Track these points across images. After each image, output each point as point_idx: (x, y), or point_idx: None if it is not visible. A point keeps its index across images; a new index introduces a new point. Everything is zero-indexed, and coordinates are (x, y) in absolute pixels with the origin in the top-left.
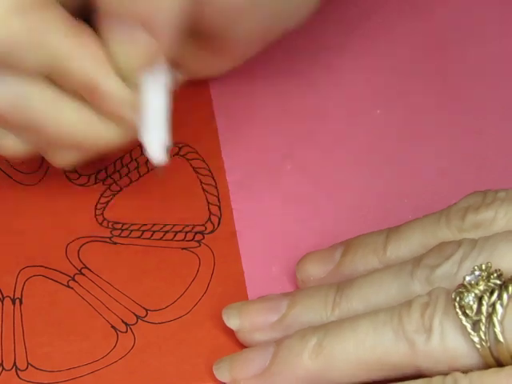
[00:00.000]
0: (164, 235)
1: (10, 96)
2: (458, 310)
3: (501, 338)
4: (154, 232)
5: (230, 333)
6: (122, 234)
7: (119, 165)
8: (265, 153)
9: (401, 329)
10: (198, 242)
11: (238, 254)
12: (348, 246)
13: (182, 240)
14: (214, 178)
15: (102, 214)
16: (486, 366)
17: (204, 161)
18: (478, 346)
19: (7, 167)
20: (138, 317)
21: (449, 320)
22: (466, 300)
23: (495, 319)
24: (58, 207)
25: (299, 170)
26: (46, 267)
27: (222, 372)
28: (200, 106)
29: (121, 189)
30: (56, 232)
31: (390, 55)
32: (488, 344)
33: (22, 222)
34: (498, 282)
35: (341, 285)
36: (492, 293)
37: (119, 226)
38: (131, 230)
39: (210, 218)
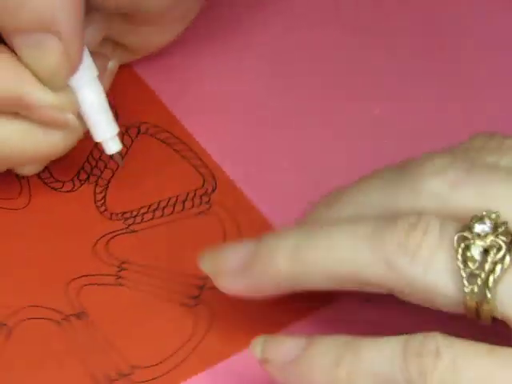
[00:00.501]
0: (174, 208)
1: None
2: (459, 256)
3: (489, 299)
4: (163, 208)
5: None
6: (136, 221)
7: (93, 160)
8: (264, 152)
9: (380, 247)
10: (208, 203)
11: (249, 200)
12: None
13: (192, 207)
14: (184, 143)
15: (106, 209)
16: (463, 312)
17: (167, 131)
18: (468, 298)
19: None
20: (199, 287)
21: (442, 257)
22: (473, 252)
23: (491, 280)
24: (62, 218)
25: (299, 169)
26: (87, 275)
27: (204, 263)
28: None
29: (108, 181)
30: (75, 241)
31: (390, 55)
32: (476, 299)
33: (39, 244)
34: (505, 239)
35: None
36: (498, 250)
37: (128, 215)
38: (142, 214)
39: (204, 179)
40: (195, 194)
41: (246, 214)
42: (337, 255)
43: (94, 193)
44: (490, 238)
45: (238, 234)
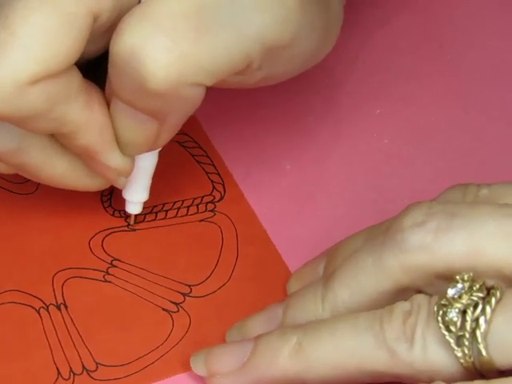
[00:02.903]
0: (178, 212)
1: (10, 144)
2: (440, 324)
3: (484, 354)
4: (166, 211)
5: (274, 286)
6: (137, 220)
7: None
8: (264, 153)
9: (381, 335)
10: (212, 211)
11: (254, 214)
12: (330, 257)
13: (196, 213)
14: (202, 148)
15: (111, 205)
16: (469, 377)
17: (187, 134)
18: (462, 361)
19: (1, 181)
20: (183, 294)
21: (431, 332)
22: (450, 316)
23: (479, 335)
24: (65, 209)
25: (298, 170)
26: (77, 268)
27: (197, 364)
28: None
29: None
30: (73, 232)
31: (390, 55)
32: (472, 359)
33: (37, 231)
34: (481, 294)
35: (324, 279)
36: (476, 307)
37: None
38: (145, 214)
39: (214, 187)
40: (201, 201)
41: (247, 227)
42: (342, 349)
43: None
44: (465, 297)
45: (235, 247)
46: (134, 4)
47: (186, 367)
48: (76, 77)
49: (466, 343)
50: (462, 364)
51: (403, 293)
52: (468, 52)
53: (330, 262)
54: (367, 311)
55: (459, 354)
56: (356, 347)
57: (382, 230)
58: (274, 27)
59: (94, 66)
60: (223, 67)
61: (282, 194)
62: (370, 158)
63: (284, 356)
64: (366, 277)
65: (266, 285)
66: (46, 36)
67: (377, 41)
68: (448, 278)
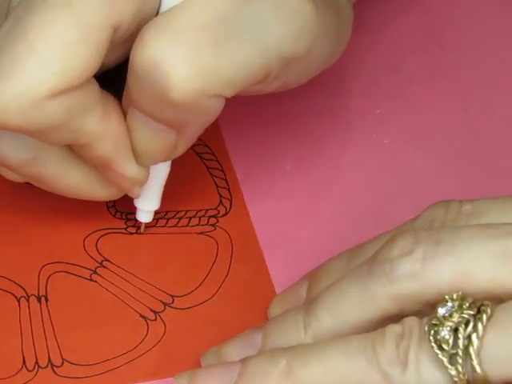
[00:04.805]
0: (178, 222)
1: (26, 156)
2: (433, 343)
3: (478, 370)
4: (168, 219)
5: (258, 311)
6: (137, 224)
7: None
8: (264, 153)
9: (374, 358)
10: (213, 225)
11: (254, 234)
12: (312, 280)
13: (197, 225)
14: (218, 162)
15: (114, 206)
16: None
17: (207, 145)
18: (456, 379)
19: None
20: (165, 304)
21: (424, 353)
22: (442, 334)
23: (472, 351)
24: (69, 204)
25: (298, 170)
26: (66, 263)
27: None
28: None
29: None
30: (71, 227)
31: (389, 55)
32: (466, 376)
33: (36, 221)
34: (472, 312)
35: (306, 305)
36: (467, 324)
37: (133, 216)
38: None
39: (221, 202)
40: (205, 214)
41: (244, 247)
42: (333, 372)
43: None
44: (456, 316)
45: (228, 265)
46: (153, 13)
47: (151, 376)
48: (94, 89)
49: (460, 361)
50: (456, 382)
51: (390, 320)
52: (468, 52)
53: (313, 285)
54: (358, 334)
55: (453, 372)
56: (348, 370)
57: (366, 258)
58: (292, 38)
59: (111, 75)
60: (243, 79)
61: (282, 194)
62: (369, 158)
63: (274, 379)
64: (351, 305)
65: (249, 306)
66: (65, 49)
67: (376, 41)
68: (437, 303)
